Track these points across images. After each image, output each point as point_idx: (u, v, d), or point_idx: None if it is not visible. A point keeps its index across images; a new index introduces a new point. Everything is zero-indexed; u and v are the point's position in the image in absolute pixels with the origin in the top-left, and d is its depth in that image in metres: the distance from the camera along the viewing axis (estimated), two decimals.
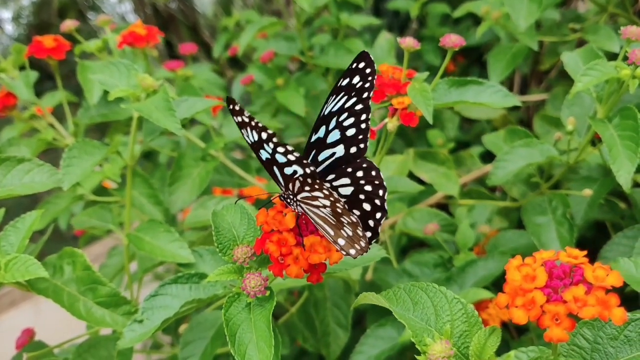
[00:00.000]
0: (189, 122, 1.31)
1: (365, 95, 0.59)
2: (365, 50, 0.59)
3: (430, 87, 0.80)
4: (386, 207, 0.57)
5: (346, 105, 0.59)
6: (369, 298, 0.54)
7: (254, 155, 1.72)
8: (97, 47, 1.06)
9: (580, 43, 1.31)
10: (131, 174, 0.85)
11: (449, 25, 1.75)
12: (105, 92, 0.91)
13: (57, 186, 0.74)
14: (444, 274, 0.99)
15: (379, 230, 0.57)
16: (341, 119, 0.60)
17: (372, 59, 0.59)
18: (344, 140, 0.60)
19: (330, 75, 1.47)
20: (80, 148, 0.77)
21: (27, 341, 0.93)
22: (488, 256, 0.96)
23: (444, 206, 1.26)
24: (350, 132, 0.60)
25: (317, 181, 0.54)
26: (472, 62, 1.82)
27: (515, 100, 0.81)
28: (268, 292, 0.57)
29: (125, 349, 0.73)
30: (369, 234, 0.58)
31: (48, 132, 1.00)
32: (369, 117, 0.60)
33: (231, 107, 0.54)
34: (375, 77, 0.59)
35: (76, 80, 1.03)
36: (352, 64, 0.59)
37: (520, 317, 0.42)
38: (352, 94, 0.59)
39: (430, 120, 0.75)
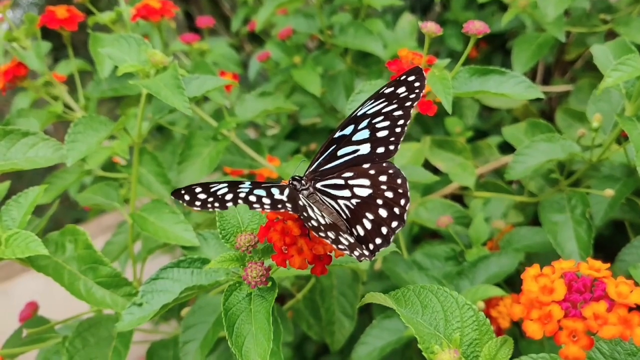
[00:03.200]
0: (202, 99, 1.28)
1: (408, 104, 0.58)
2: (419, 67, 0.59)
3: (450, 75, 0.77)
4: (405, 217, 0.55)
5: (384, 110, 0.59)
6: (376, 298, 0.51)
7: (267, 134, 1.70)
8: (110, 19, 1.03)
9: (609, 34, 1.26)
10: (138, 153, 0.83)
11: (473, 9, 1.70)
12: (116, 67, 0.89)
13: (61, 162, 0.72)
14: (455, 268, 0.96)
15: (391, 240, 0.55)
16: (375, 120, 0.59)
17: (425, 75, 0.58)
18: (372, 140, 0.59)
19: (349, 55, 1.44)
20: (86, 123, 0.74)
21: (31, 314, 0.92)
22: (501, 252, 0.93)
23: (458, 197, 1.24)
24: (382, 133, 0.59)
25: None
26: (495, 49, 1.78)
27: (539, 92, 0.77)
28: (270, 283, 0.55)
29: None
30: (379, 241, 0.55)
31: (58, 105, 0.98)
32: (407, 123, 0.58)
33: (184, 195, 0.52)
34: (424, 91, 0.58)
35: None
36: (401, 76, 0.58)
37: (535, 331, 0.40)
38: (394, 101, 0.58)
39: (449, 110, 0.72)
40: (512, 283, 1.11)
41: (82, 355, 0.72)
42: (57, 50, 1.25)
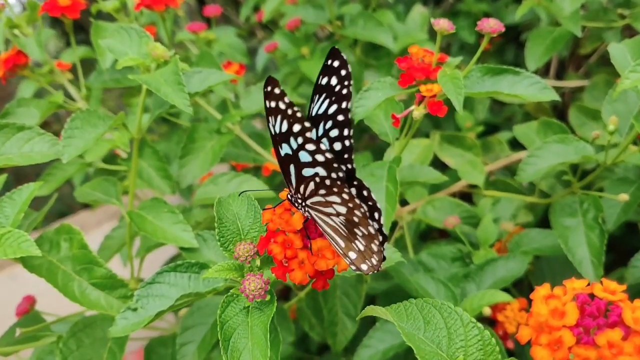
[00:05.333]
0: (208, 90, 1.26)
1: (344, 105, 0.52)
2: (336, 47, 0.52)
3: (462, 74, 0.74)
4: (385, 231, 0.51)
5: (329, 112, 0.53)
6: (377, 312, 0.49)
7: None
8: (113, 7, 1.00)
9: (626, 28, 1.23)
10: (137, 148, 0.80)
11: (486, 0, 1.66)
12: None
13: (58, 157, 0.69)
14: (462, 270, 0.94)
15: (382, 254, 0.52)
16: (327, 126, 0.53)
17: (345, 58, 0.52)
18: (333, 153, 0.53)
19: (359, 47, 1.41)
20: (84, 119, 0.72)
21: (28, 309, 0.91)
22: (509, 255, 0.90)
23: (467, 194, 1.21)
24: (337, 146, 0.53)
25: (338, 184, 0.48)
26: (509, 41, 1.74)
27: (554, 94, 0.74)
28: (269, 297, 0.52)
29: None
30: (375, 257, 0.52)
31: (59, 95, 0.96)
32: (351, 133, 0.53)
33: (269, 89, 0.47)
34: (351, 82, 0.52)
35: None
36: (326, 60, 0.52)
37: (543, 358, 0.37)
38: (333, 99, 0.52)
39: (460, 111, 0.69)
40: (520, 286, 1.09)
41: (76, 356, 0.70)
42: (69, 34, 1.23)
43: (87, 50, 1.17)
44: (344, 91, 0.52)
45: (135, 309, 0.60)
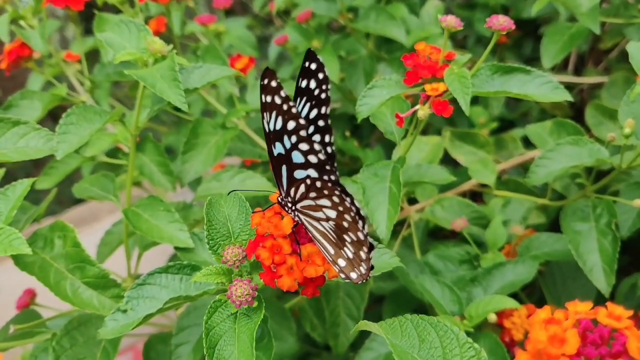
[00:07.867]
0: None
1: (323, 110, 0.51)
2: (312, 50, 0.50)
3: (470, 72, 0.71)
4: (370, 240, 0.49)
5: (311, 116, 0.51)
6: (370, 327, 0.47)
7: None
8: None
9: None
10: (134, 146, 0.78)
11: None
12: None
13: (52, 153, 0.68)
14: (469, 273, 0.91)
15: (370, 263, 0.49)
16: (309, 131, 0.51)
17: (322, 61, 0.50)
18: (318, 160, 0.51)
19: (371, 40, 1.38)
20: (79, 114, 0.70)
21: (28, 302, 0.90)
22: (518, 259, 0.87)
23: (478, 193, 1.18)
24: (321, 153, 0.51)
25: (329, 186, 0.46)
26: (527, 34, 1.69)
27: (566, 94, 0.71)
28: (256, 303, 0.51)
29: None
30: (364, 265, 0.50)
31: (62, 87, 0.95)
32: (332, 140, 0.51)
33: (265, 82, 0.45)
34: (329, 87, 0.50)
35: None
36: (304, 62, 0.50)
37: None
38: (313, 103, 0.51)
39: (467, 111, 0.66)
40: (530, 287, 1.06)
41: (70, 355, 0.69)
42: (88, 21, 1.22)
43: (96, 42, 1.15)
44: (323, 95, 0.50)
45: (125, 311, 0.59)
